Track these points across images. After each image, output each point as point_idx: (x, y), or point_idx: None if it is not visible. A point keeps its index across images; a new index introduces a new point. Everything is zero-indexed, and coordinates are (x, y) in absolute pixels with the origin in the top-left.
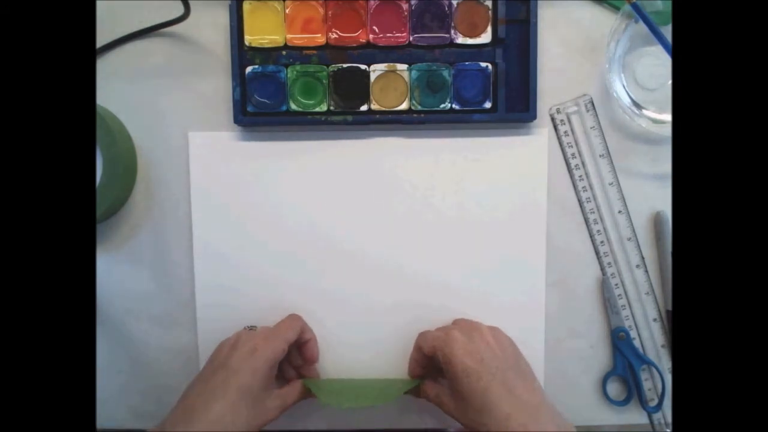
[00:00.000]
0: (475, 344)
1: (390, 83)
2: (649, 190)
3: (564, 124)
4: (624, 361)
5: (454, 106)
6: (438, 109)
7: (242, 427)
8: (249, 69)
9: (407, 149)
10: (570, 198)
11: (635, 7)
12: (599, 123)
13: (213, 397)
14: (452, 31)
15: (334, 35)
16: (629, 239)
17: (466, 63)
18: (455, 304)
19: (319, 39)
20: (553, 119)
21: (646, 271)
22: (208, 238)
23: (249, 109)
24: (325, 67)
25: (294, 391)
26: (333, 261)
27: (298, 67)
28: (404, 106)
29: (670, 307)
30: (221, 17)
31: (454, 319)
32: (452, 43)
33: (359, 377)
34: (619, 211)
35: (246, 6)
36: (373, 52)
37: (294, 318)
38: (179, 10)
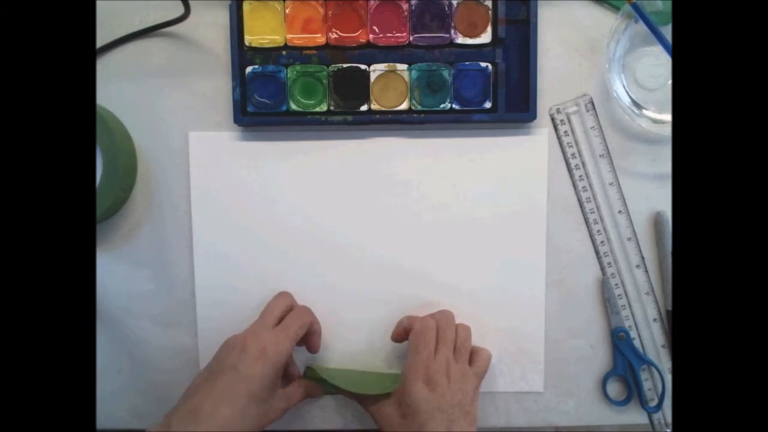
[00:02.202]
0: (436, 376)
1: (390, 83)
2: (649, 190)
3: (564, 124)
4: (624, 361)
5: (454, 106)
6: (438, 109)
7: (248, 427)
8: (249, 69)
9: (407, 149)
10: (570, 198)
11: (635, 7)
12: (599, 123)
13: (221, 400)
14: (452, 31)
15: (334, 35)
16: (629, 239)
17: (466, 63)
18: (456, 303)
19: (319, 39)
20: (553, 119)
21: (646, 271)
22: (208, 237)
23: (249, 109)
24: (325, 67)
25: (298, 391)
26: (333, 261)
27: (298, 67)
28: (404, 106)
29: (670, 307)
30: (221, 17)
31: (433, 320)
32: (452, 43)
33: (360, 370)
34: (619, 211)
35: (246, 6)
36: (373, 52)
37: (303, 313)
38: (179, 10)
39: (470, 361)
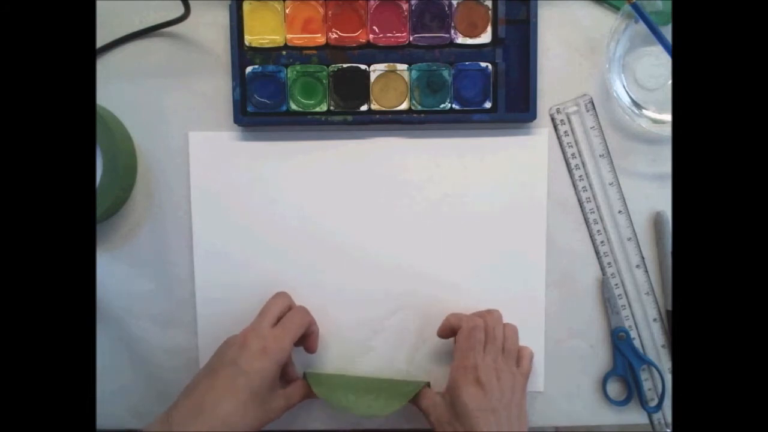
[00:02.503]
0: (486, 377)
1: (390, 83)
2: (649, 190)
3: (564, 124)
4: (624, 361)
5: (454, 106)
6: (438, 109)
7: (248, 426)
8: (249, 69)
9: (407, 149)
10: (570, 198)
11: (635, 7)
12: (599, 123)
13: (222, 396)
14: (452, 31)
15: (334, 35)
16: (629, 239)
17: (466, 63)
18: (456, 304)
19: (319, 39)
20: (553, 119)
21: (646, 271)
22: (208, 237)
23: (249, 109)
24: (325, 67)
25: (297, 392)
26: (333, 260)
27: (298, 67)
28: (404, 106)
29: (670, 307)
30: (221, 17)
31: (482, 319)
32: (452, 43)
33: (360, 374)
34: (619, 211)
35: (246, 6)
36: (373, 52)
37: (302, 314)
38: (179, 10)
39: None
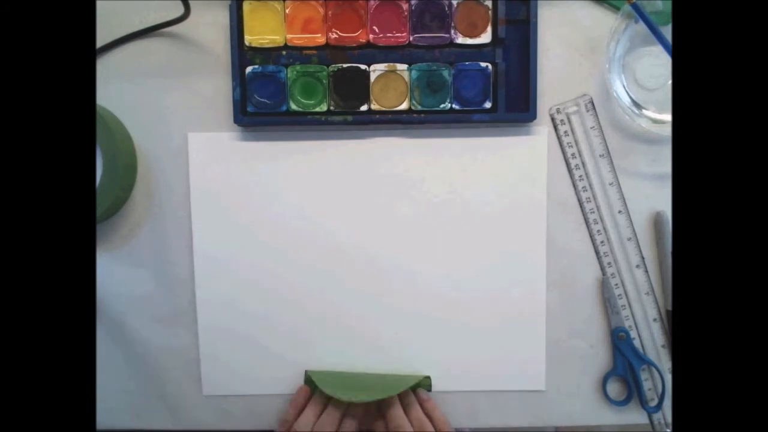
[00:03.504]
0: None
1: (390, 83)
2: (649, 190)
3: (564, 124)
4: (624, 361)
5: (454, 106)
6: (438, 109)
7: None
8: (249, 69)
9: (407, 149)
10: (570, 198)
11: (635, 7)
12: (599, 123)
13: None
14: (452, 31)
15: (334, 35)
16: (629, 239)
17: (466, 63)
18: (456, 304)
19: (319, 39)
20: (553, 119)
21: (646, 271)
22: (208, 238)
23: (249, 109)
24: (325, 67)
25: None
26: (333, 260)
27: (298, 67)
28: (404, 106)
29: (670, 307)
30: (221, 17)
31: None
32: (452, 43)
33: (361, 371)
34: (619, 211)
35: (246, 6)
36: (373, 52)
37: None
38: (179, 10)
39: None
